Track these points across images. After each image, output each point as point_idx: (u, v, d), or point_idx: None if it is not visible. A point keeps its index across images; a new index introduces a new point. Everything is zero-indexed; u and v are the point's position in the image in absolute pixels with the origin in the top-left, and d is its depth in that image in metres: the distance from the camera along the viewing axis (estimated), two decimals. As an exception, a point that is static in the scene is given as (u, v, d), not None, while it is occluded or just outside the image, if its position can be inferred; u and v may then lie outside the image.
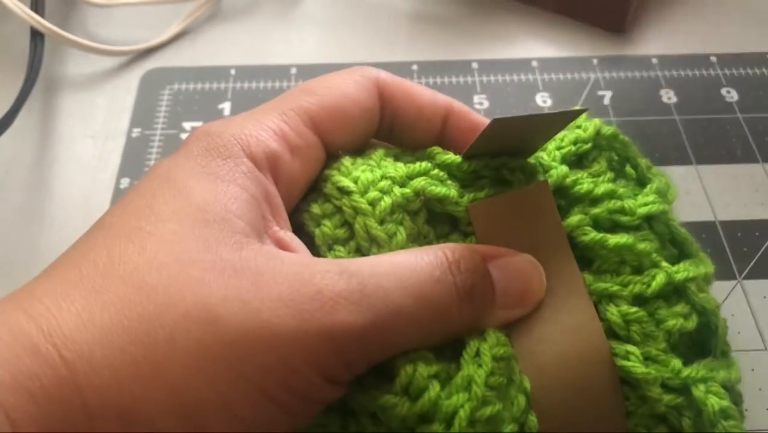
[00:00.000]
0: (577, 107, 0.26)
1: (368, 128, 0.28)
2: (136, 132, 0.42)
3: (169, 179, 0.23)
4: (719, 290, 0.34)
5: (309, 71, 0.45)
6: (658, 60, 0.45)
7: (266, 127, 0.25)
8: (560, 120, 0.26)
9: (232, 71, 0.45)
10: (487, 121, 0.28)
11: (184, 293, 0.20)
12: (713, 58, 0.45)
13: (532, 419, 0.23)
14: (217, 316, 0.20)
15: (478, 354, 0.23)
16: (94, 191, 0.39)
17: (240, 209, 0.23)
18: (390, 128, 0.29)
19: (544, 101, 0.43)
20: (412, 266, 0.23)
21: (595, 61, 0.46)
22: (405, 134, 0.29)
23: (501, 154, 0.27)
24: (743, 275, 0.35)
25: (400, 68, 0.45)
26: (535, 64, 0.46)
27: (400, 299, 0.22)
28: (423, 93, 0.29)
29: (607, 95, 0.43)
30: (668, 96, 0.43)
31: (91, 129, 0.42)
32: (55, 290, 0.21)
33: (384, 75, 0.28)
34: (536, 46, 0.47)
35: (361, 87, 0.27)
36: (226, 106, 0.43)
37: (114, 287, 0.20)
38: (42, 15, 0.42)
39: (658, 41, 0.47)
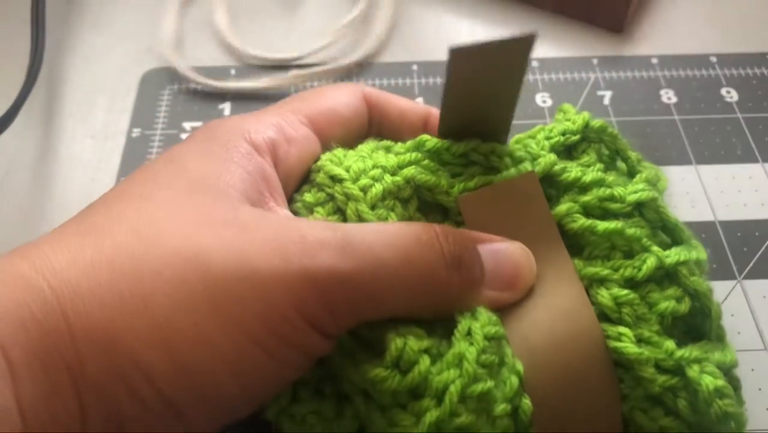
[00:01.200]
0: (527, 33, 0.25)
1: (359, 129, 0.30)
2: (136, 132, 0.42)
3: (171, 159, 0.25)
4: (719, 289, 0.34)
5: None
6: (658, 60, 0.45)
7: (265, 121, 0.27)
8: (516, 49, 0.25)
9: (232, 71, 0.45)
10: None
11: (173, 237, 0.21)
12: (713, 58, 0.45)
13: (526, 402, 0.23)
14: (203, 255, 0.21)
15: (469, 333, 0.23)
16: (94, 191, 0.39)
17: (234, 182, 0.24)
18: (378, 132, 0.31)
19: (544, 101, 0.43)
20: (397, 229, 0.23)
21: (595, 61, 0.45)
22: (392, 136, 0.31)
23: (478, 129, 0.27)
24: (743, 275, 0.35)
25: (401, 68, 0.45)
26: (535, 64, 0.46)
27: (385, 253, 0.22)
28: (404, 100, 0.31)
29: (607, 95, 0.43)
30: (668, 96, 0.43)
31: (91, 129, 0.42)
32: (52, 239, 0.22)
33: (368, 87, 0.31)
34: (536, 46, 0.47)
35: (349, 93, 0.30)
36: (226, 106, 0.43)
37: (108, 235, 0.21)
38: (43, 15, 0.42)
39: (658, 41, 0.47)
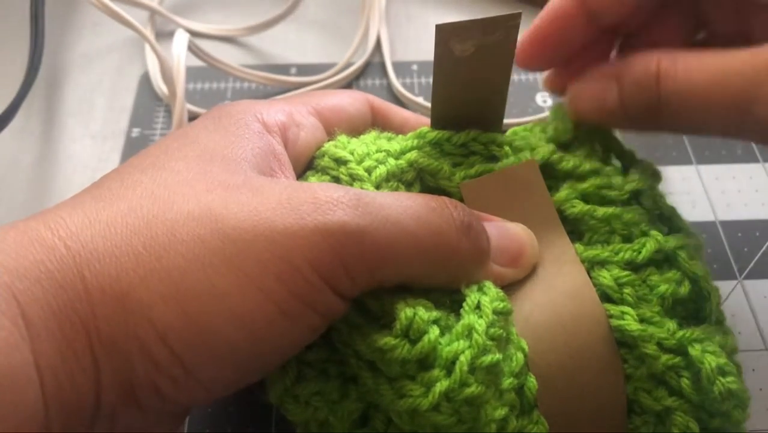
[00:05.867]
0: (513, 13, 0.25)
1: (363, 129, 0.30)
2: (136, 132, 0.42)
3: (184, 134, 0.25)
4: (719, 290, 0.34)
5: (309, 71, 0.45)
6: (659, 60, 0.45)
7: (276, 106, 0.28)
8: (502, 28, 0.25)
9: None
10: None
11: (187, 198, 0.22)
12: (713, 58, 0.45)
13: (532, 380, 0.24)
14: (218, 214, 0.21)
15: (478, 306, 0.23)
16: (93, 191, 0.39)
17: (245, 154, 0.24)
18: None
19: (544, 101, 0.43)
20: (409, 195, 0.24)
21: (595, 61, 0.45)
22: None
23: (471, 120, 0.28)
24: (743, 275, 0.35)
25: (400, 68, 0.45)
26: (535, 64, 0.45)
27: (398, 213, 0.23)
28: (405, 110, 0.32)
29: (608, 95, 0.43)
30: (668, 96, 0.43)
31: (91, 129, 0.42)
32: (67, 204, 0.22)
33: (372, 96, 0.32)
34: (536, 46, 0.47)
35: (356, 96, 0.31)
36: (225, 106, 0.43)
37: (123, 199, 0.22)
38: (42, 14, 0.42)
39: (658, 41, 0.47)
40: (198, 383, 0.21)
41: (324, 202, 0.22)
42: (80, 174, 0.40)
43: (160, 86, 0.43)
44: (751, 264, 0.36)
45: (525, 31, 0.28)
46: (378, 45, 0.46)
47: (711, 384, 0.24)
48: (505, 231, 0.26)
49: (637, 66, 0.26)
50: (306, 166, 0.28)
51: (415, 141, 0.28)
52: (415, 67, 0.46)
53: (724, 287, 0.35)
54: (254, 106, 0.27)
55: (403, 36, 0.48)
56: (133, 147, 0.41)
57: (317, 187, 0.23)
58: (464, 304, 0.24)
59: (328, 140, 0.28)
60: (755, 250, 0.36)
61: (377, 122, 0.31)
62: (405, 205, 0.23)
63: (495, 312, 0.23)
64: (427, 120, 0.31)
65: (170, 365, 0.21)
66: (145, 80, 0.45)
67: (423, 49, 0.47)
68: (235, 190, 0.22)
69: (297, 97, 0.30)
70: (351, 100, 0.30)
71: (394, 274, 0.23)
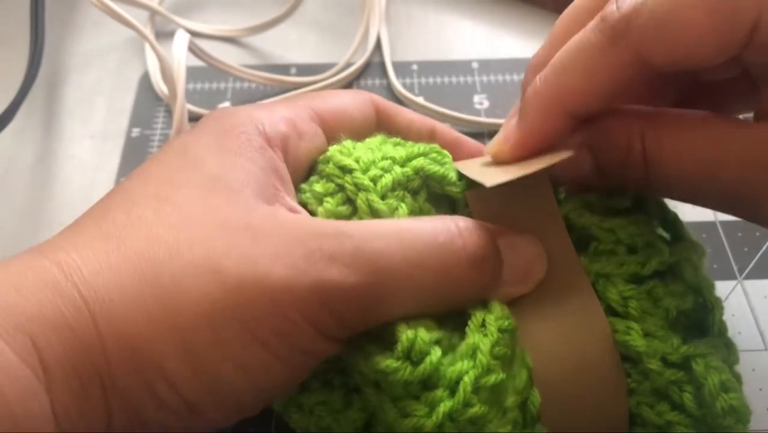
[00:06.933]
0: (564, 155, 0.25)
1: (366, 132, 0.30)
2: (136, 132, 0.42)
3: (186, 153, 0.25)
4: (720, 289, 0.33)
5: (309, 71, 0.45)
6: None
7: (278, 114, 0.27)
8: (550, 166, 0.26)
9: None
10: (468, 139, 0.31)
11: (191, 246, 0.22)
12: (713, 58, 0.45)
13: (535, 395, 0.23)
14: (221, 267, 0.22)
15: (483, 325, 0.23)
16: (94, 191, 0.39)
17: (247, 179, 0.24)
18: None
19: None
20: (416, 230, 0.24)
21: (595, 60, 0.45)
22: None
23: None
24: (744, 275, 0.35)
25: (401, 68, 0.45)
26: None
27: (401, 261, 0.23)
28: (411, 111, 0.32)
29: (608, 95, 0.43)
30: (668, 96, 0.43)
31: (91, 129, 0.42)
32: (75, 241, 0.22)
33: (376, 96, 0.31)
34: (536, 46, 0.47)
35: (360, 98, 0.30)
36: (225, 106, 0.43)
37: (130, 240, 0.22)
38: (42, 15, 0.42)
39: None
40: (203, 419, 0.23)
41: (318, 258, 0.22)
42: (80, 174, 0.40)
43: (160, 86, 0.43)
44: (751, 264, 0.36)
45: (512, 136, 0.27)
46: (378, 45, 0.46)
47: (713, 400, 0.24)
48: (516, 249, 0.25)
49: (616, 138, 0.25)
50: (306, 173, 0.28)
51: (422, 147, 0.27)
52: (415, 67, 0.46)
53: (724, 287, 0.35)
54: (256, 115, 0.26)
55: (403, 36, 0.48)
56: (133, 147, 0.41)
57: (317, 238, 0.23)
58: (469, 322, 0.23)
59: (333, 144, 0.28)
60: (755, 250, 0.36)
61: (382, 123, 0.31)
62: (407, 246, 0.23)
63: (500, 330, 0.23)
64: (432, 121, 0.31)
65: (179, 408, 0.22)
66: (145, 80, 0.45)
67: (423, 49, 0.47)
68: (236, 235, 0.22)
69: (299, 99, 0.29)
70: (354, 102, 0.30)
71: (392, 317, 0.23)
